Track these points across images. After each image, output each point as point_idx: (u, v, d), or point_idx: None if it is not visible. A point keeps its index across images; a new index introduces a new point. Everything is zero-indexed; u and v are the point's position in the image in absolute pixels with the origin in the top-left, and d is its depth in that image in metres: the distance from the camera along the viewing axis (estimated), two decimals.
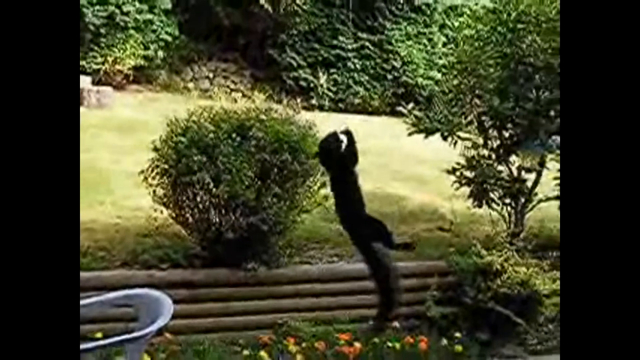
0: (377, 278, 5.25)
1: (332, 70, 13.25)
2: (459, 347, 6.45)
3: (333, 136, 5.13)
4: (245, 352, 5.90)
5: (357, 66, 13.36)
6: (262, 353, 5.87)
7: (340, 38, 13.35)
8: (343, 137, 5.06)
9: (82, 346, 4.26)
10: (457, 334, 6.56)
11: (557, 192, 6.96)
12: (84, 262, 6.10)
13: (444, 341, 6.51)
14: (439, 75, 12.16)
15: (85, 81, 11.39)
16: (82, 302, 4.45)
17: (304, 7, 12.97)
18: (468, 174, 7.41)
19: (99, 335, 5.44)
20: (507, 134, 7.56)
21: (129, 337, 4.13)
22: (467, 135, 7.52)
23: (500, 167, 7.48)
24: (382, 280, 5.21)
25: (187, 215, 6.37)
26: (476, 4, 12.65)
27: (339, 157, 5.07)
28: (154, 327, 4.05)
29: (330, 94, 13.15)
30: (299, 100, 12.58)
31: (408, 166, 9.72)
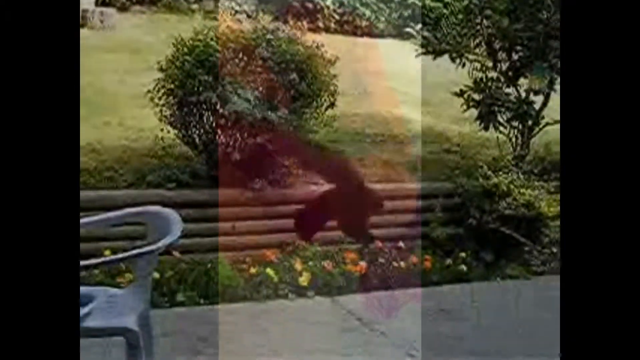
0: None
1: None
2: (463, 267, 6.54)
3: None
4: (252, 270, 5.98)
5: None
6: (268, 270, 5.95)
7: None
8: None
9: (90, 262, 4.33)
10: (462, 254, 6.64)
11: None
12: (91, 182, 6.13)
13: (448, 261, 6.58)
14: None
15: (88, 2, 11.23)
16: (90, 219, 4.49)
17: None
18: (476, 96, 7.37)
19: (107, 252, 5.51)
20: (516, 56, 7.47)
21: (138, 252, 4.15)
22: (475, 57, 7.44)
23: (508, 90, 7.43)
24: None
25: (194, 135, 6.36)
26: None
27: None
28: (162, 243, 4.08)
29: (336, 15, 12.94)
30: (304, 22, 12.37)
31: (415, 89, 9.64)
